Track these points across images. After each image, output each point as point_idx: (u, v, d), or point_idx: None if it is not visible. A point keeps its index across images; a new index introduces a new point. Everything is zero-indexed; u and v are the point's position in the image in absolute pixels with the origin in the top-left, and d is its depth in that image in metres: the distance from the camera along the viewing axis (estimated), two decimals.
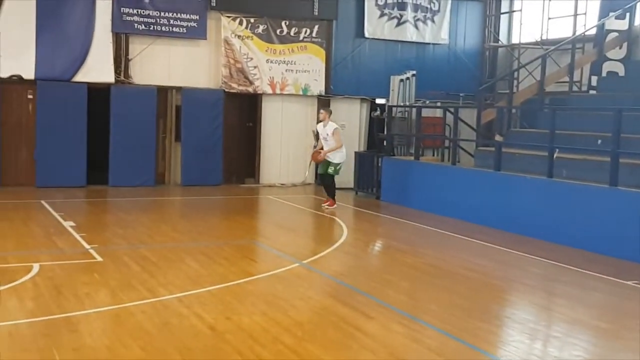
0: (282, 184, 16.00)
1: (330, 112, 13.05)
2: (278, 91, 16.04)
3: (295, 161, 16.32)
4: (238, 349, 5.25)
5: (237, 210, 12.70)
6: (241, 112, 16.24)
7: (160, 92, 15.07)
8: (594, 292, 7.63)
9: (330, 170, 12.52)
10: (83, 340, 5.34)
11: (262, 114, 16.08)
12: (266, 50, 15.82)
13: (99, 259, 7.99)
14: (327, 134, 12.45)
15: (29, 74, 13.74)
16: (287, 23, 15.96)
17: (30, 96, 14.00)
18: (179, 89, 15.24)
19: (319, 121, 13.39)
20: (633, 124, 10.04)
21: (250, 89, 15.78)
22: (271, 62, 15.89)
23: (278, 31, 15.92)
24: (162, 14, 14.72)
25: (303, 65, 16.17)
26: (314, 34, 16.22)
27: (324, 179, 12.77)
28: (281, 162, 16.11)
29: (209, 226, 10.88)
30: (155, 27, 14.70)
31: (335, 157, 12.49)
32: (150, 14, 14.62)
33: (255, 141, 16.12)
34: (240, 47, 15.53)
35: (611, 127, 9.39)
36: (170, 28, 14.85)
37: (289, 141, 16.24)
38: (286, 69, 16.03)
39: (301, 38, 16.13)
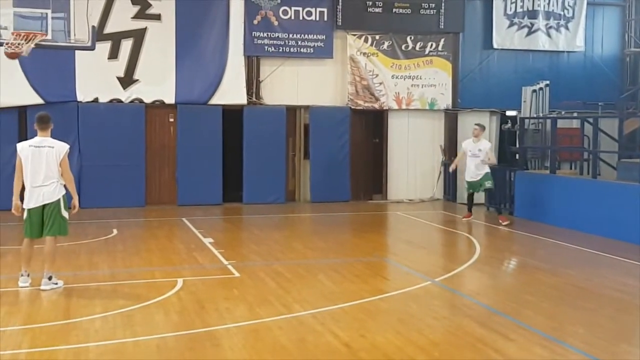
0: (410, 200, 15.88)
1: (484, 128, 13.08)
2: (404, 106, 16.00)
3: (422, 176, 16.16)
4: None
5: (366, 226, 12.75)
6: (367, 128, 16.35)
7: (289, 112, 15.52)
8: None
9: (488, 184, 12.57)
10: (225, 355, 5.55)
11: (389, 129, 16.09)
12: (391, 66, 15.85)
13: (237, 274, 8.30)
14: (480, 150, 12.43)
15: (170, 98, 14.65)
16: (412, 38, 15.91)
17: (171, 119, 14.92)
18: (306, 107, 15.61)
19: (466, 137, 13.52)
20: None
21: (376, 105, 15.86)
22: (396, 77, 15.89)
23: (403, 46, 15.91)
24: (291, 35, 15.19)
25: (429, 79, 16.03)
26: (439, 48, 16.04)
27: (472, 197, 12.93)
28: (408, 178, 16.01)
29: (339, 243, 11.00)
30: (284, 48, 15.20)
31: (484, 173, 12.55)
32: (280, 36, 15.13)
33: (382, 157, 16.15)
34: (365, 64, 15.67)
35: None
36: (298, 49, 15.28)
37: (416, 156, 16.12)
38: (412, 84, 15.97)
39: (427, 52, 16.01)
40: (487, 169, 12.55)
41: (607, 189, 11.39)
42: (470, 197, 12.92)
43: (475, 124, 13.04)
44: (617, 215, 10.77)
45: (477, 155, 12.42)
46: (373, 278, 8.34)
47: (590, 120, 12.79)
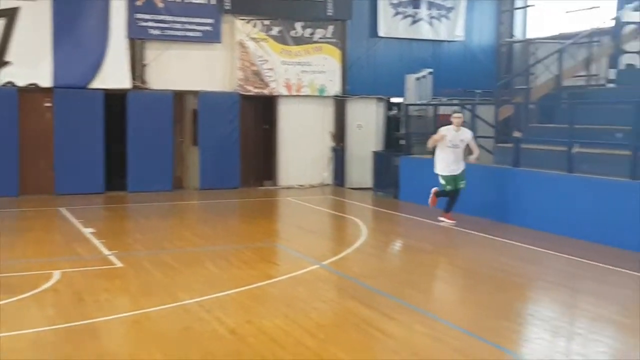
0: (300, 186, 15.98)
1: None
2: (294, 93, 16.03)
3: (313, 162, 16.30)
4: (260, 352, 5.22)
5: (256, 213, 12.70)
6: (257, 114, 16.25)
7: (177, 97, 15.13)
8: (616, 287, 7.50)
9: (462, 185, 10.83)
10: (105, 347, 5.35)
11: (279, 116, 16.08)
12: (281, 52, 15.82)
13: (120, 264, 8.01)
14: (462, 141, 10.74)
15: (45, 82, 13.85)
16: (302, 24, 15.94)
17: (47, 104, 14.11)
18: (195, 93, 15.28)
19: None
20: None
21: (266, 91, 15.78)
22: (286, 63, 15.88)
23: (292, 33, 15.91)
24: (177, 18, 14.77)
25: (318, 66, 16.14)
26: (328, 35, 16.18)
27: (456, 194, 10.87)
28: (299, 164, 16.08)
29: (228, 230, 10.89)
30: (169, 32, 14.76)
31: (463, 169, 10.84)
32: (165, 19, 14.68)
33: (272, 143, 16.12)
34: (255, 49, 15.54)
35: (631, 120, 9.23)
36: (185, 32, 14.90)
37: (306, 142, 16.21)
38: (302, 70, 16.02)
39: (316, 39, 16.10)
40: (464, 165, 10.86)
41: (483, 172, 11.95)
42: (452, 194, 10.81)
43: (456, 111, 11.31)
44: (493, 197, 11.34)
45: (458, 146, 10.67)
46: (262, 264, 8.32)
47: (469, 107, 13.35)
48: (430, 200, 10.94)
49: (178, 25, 14.80)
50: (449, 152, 10.67)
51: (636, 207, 8.92)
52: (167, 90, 14.90)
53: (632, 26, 13.91)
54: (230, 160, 15.36)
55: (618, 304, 6.88)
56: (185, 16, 14.83)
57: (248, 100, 15.73)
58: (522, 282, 7.84)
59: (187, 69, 15.10)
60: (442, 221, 10.80)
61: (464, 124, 11.06)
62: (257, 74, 15.62)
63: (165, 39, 14.76)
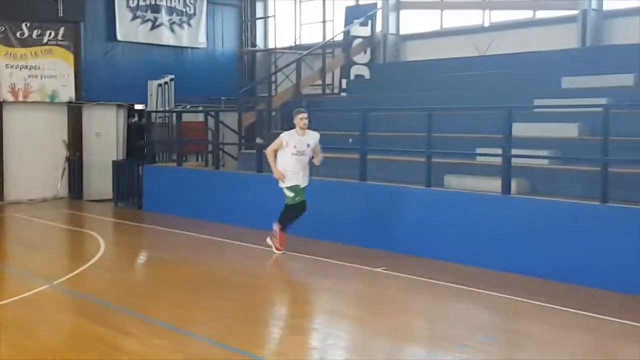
0: (31, 200, 14.53)
1: None
2: (21, 99, 14.58)
3: (45, 174, 14.94)
4: None
5: None
6: None
7: None
8: (349, 281, 7.91)
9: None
10: None
11: (3, 124, 14.48)
12: (5, 55, 14.32)
13: None
14: (308, 145, 8.80)
15: None
16: (29, 25, 14.58)
17: None
18: None
19: (284, 128, 9.61)
20: (378, 123, 10.77)
21: None
22: (11, 67, 14.41)
23: (18, 34, 14.49)
24: None
25: (49, 70, 14.89)
26: (59, 37, 14.99)
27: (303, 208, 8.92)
28: (28, 176, 14.59)
29: None
30: None
31: (307, 179, 8.96)
32: None
33: None
34: None
35: (359, 126, 9.89)
36: None
37: (37, 152, 14.82)
38: (29, 75, 14.65)
39: (45, 41, 14.83)
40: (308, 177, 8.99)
41: (227, 178, 11.98)
42: (296, 211, 8.89)
43: (301, 110, 9.06)
44: (237, 202, 11.36)
45: (304, 152, 8.77)
46: None
47: (213, 114, 13.33)
48: (275, 241, 8.92)
49: None
50: (294, 161, 8.72)
51: (363, 206, 9.57)
52: None
53: (360, 40, 15.14)
54: None
55: (350, 298, 7.31)
56: None
57: None
58: (265, 284, 7.93)
59: None
60: (273, 241, 8.93)
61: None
62: None
63: None
